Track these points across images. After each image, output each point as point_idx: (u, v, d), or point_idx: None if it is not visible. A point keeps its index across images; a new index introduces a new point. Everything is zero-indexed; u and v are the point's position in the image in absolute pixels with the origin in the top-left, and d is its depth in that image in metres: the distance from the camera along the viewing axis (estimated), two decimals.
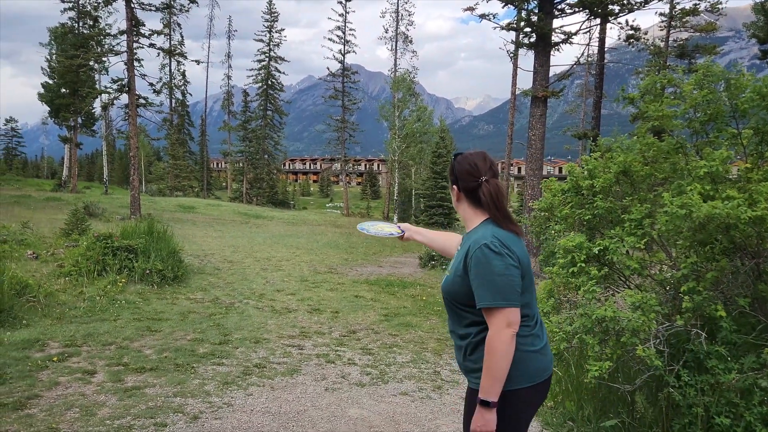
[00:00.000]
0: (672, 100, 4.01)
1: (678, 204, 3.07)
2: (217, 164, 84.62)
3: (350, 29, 44.40)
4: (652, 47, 20.38)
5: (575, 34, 14.59)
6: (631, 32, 17.05)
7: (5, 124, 70.97)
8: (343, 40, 44.17)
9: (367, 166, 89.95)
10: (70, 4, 32.91)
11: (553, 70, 14.98)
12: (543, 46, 14.13)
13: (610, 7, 14.44)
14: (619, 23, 16.82)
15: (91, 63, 28.52)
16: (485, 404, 1.81)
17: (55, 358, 4.78)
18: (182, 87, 51.01)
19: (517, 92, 23.05)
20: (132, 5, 19.44)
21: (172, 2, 22.39)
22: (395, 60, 43.75)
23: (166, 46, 41.00)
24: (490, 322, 1.83)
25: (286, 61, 49.61)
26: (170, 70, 49.15)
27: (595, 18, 15.03)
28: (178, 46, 46.16)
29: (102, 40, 28.07)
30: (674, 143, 3.86)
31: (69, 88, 32.24)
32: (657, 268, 3.85)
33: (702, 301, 3.10)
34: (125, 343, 5.44)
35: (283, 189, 61.47)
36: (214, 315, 6.84)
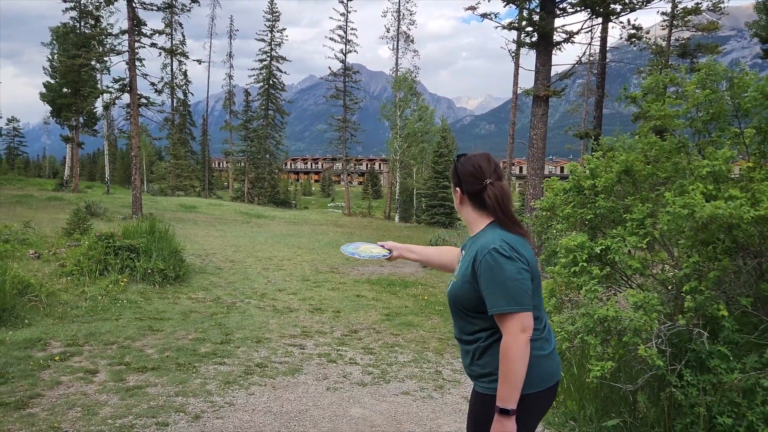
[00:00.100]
0: (674, 99, 4.00)
1: (680, 204, 3.06)
2: (219, 164, 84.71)
3: (352, 29, 44.41)
4: (653, 46, 20.33)
5: (577, 33, 14.56)
6: (632, 31, 17.00)
7: (7, 124, 71.11)
8: (344, 40, 44.17)
9: (369, 166, 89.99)
10: (72, 4, 32.94)
11: (555, 70, 14.97)
12: (545, 46, 14.10)
13: (612, 6, 14.40)
14: (621, 22, 16.79)
15: (93, 62, 28.62)
16: (504, 412, 1.76)
17: (56, 358, 4.79)
18: (184, 86, 51.04)
19: (519, 92, 23.04)
20: (133, 5, 19.45)
21: (174, 2, 22.35)
22: (397, 59, 43.72)
23: (168, 45, 41.05)
24: (504, 328, 1.78)
25: (287, 60, 49.61)
26: (172, 69, 49.18)
27: (596, 17, 15.00)
28: (180, 46, 46.22)
29: (103, 40, 28.11)
30: (676, 142, 3.85)
31: (71, 88, 32.29)
32: (659, 267, 3.84)
33: (704, 301, 3.09)
34: (127, 342, 5.45)
35: (285, 189, 61.53)
36: (216, 314, 6.85)
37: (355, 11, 44.59)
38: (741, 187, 3.21)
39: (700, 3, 19.83)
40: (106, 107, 32.80)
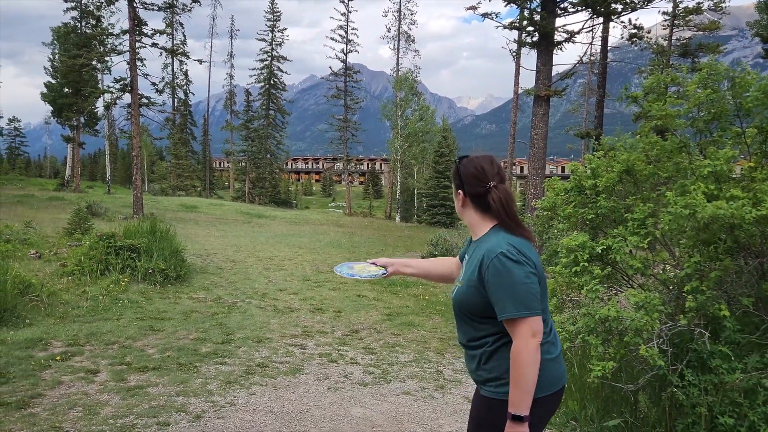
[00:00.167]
0: (675, 99, 3.99)
1: (682, 204, 3.06)
2: (220, 164, 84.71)
3: (352, 29, 44.40)
4: (655, 46, 20.32)
5: (578, 33, 14.59)
6: (633, 31, 17.00)
7: (8, 124, 71.09)
8: (345, 40, 44.16)
9: (370, 166, 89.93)
10: (73, 4, 32.95)
11: (556, 69, 14.98)
12: (546, 45, 14.10)
13: (613, 6, 14.41)
14: (622, 22, 16.80)
15: (94, 62, 28.67)
16: (518, 419, 1.75)
17: (58, 358, 4.79)
18: (185, 86, 51.06)
19: (520, 91, 23.01)
20: (134, 5, 19.46)
21: (175, 1, 22.36)
22: (397, 59, 43.71)
23: (169, 45, 41.12)
24: (514, 333, 1.76)
25: (288, 60, 49.60)
26: (173, 69, 49.20)
27: (597, 17, 15.01)
28: (181, 46, 46.23)
29: (104, 40, 28.10)
30: (678, 142, 3.85)
31: (72, 88, 32.30)
32: (660, 267, 3.84)
33: (705, 301, 3.09)
34: (128, 342, 5.45)
35: (286, 188, 61.52)
36: (217, 314, 6.85)
37: (356, 11, 44.60)
38: (743, 187, 3.20)
39: (702, 3, 19.82)
40: (107, 107, 32.82)
